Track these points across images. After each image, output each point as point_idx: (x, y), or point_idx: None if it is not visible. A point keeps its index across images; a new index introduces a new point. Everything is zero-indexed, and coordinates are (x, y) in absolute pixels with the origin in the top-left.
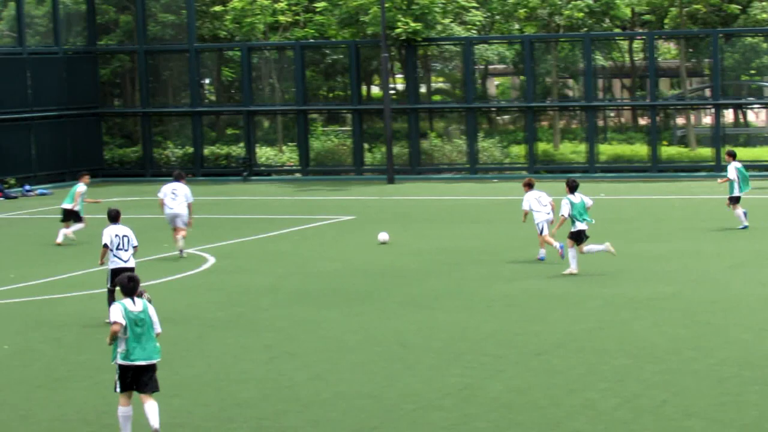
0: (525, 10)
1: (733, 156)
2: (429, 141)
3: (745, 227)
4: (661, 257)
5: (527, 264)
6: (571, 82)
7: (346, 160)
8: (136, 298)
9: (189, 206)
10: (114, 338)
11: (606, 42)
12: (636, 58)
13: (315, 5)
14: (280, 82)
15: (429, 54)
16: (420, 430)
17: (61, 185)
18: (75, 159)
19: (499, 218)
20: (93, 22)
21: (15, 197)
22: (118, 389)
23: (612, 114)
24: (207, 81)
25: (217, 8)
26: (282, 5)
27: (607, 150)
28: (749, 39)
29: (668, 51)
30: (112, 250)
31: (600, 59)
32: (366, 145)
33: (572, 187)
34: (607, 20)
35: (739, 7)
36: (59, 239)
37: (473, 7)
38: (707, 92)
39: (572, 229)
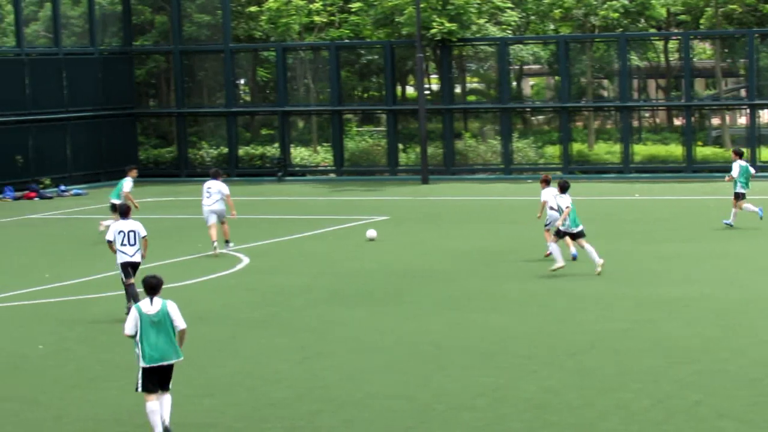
0: (560, 10)
1: (739, 155)
2: (463, 141)
3: (761, 216)
4: (693, 257)
5: None
6: (606, 82)
7: (380, 160)
8: (155, 298)
9: (227, 198)
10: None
11: (641, 42)
12: (671, 59)
13: (350, 5)
14: (315, 83)
15: (464, 54)
16: (453, 431)
17: (96, 185)
18: (110, 159)
19: (532, 219)
20: (129, 23)
21: (50, 197)
22: (139, 389)
23: (647, 114)
24: (242, 81)
25: (253, 9)
26: (317, 6)
27: (641, 150)
28: None
29: (704, 51)
30: (117, 245)
31: (635, 59)
32: (400, 146)
33: (563, 188)
34: (643, 20)
35: None
36: (101, 228)
37: (508, 8)
38: (743, 92)
39: (561, 228)
